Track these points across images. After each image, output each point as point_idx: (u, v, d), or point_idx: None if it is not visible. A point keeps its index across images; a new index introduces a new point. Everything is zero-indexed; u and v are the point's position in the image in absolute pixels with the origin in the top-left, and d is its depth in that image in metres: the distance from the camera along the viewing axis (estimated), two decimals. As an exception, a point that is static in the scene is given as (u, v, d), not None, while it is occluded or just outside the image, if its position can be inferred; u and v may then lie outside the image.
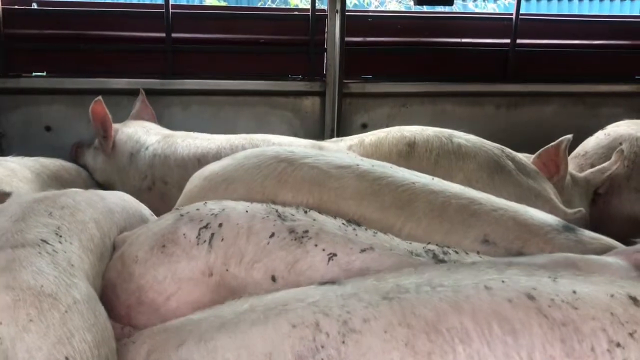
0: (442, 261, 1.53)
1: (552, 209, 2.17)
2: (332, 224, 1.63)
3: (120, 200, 2.00)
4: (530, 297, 1.20)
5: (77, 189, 1.95)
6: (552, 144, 2.50)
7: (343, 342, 1.18)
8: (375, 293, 1.26)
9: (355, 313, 1.21)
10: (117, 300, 1.62)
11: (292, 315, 1.24)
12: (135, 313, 1.61)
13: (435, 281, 1.27)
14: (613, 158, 2.64)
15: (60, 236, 1.56)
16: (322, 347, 1.18)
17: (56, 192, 1.85)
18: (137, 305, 1.60)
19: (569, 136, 2.48)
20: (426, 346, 1.15)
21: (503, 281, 1.25)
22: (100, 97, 2.76)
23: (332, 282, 1.38)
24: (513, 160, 2.43)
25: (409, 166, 2.15)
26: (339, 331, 1.19)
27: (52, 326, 1.23)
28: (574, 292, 1.22)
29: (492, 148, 2.46)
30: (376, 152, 2.56)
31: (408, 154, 2.47)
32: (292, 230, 1.58)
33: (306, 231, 1.58)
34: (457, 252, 1.58)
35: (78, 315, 1.30)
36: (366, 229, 1.65)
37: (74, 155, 3.06)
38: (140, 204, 2.09)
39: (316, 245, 1.55)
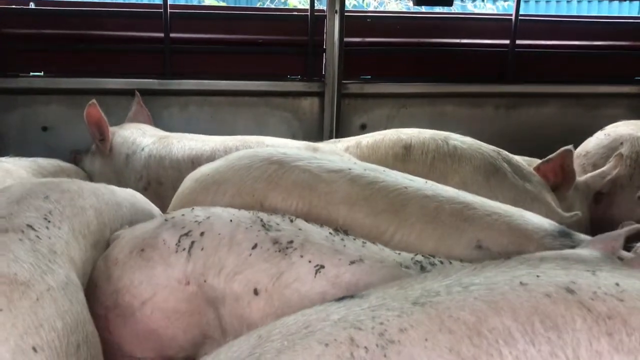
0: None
1: (548, 212, 2.16)
2: (319, 233, 1.59)
3: (130, 196, 2.01)
4: (570, 291, 1.14)
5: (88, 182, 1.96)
6: (552, 155, 2.48)
7: (384, 355, 1.09)
8: (404, 300, 1.19)
9: (390, 323, 1.13)
10: (96, 300, 1.61)
11: (320, 335, 1.13)
12: (112, 315, 1.59)
13: (465, 280, 1.21)
14: (612, 162, 2.63)
15: (49, 221, 1.55)
16: None
17: (66, 179, 1.85)
18: (114, 308, 1.59)
19: (570, 147, 2.46)
20: (471, 351, 1.08)
21: (538, 276, 1.19)
22: (94, 101, 2.75)
23: (350, 296, 1.30)
24: (509, 162, 2.43)
25: (405, 169, 2.14)
26: (377, 344, 1.10)
27: (20, 316, 1.22)
28: (617, 284, 1.16)
29: (488, 150, 2.45)
30: (373, 154, 2.55)
31: (404, 156, 2.47)
32: (276, 241, 1.55)
33: (291, 242, 1.54)
34: (442, 263, 1.56)
35: (50, 302, 1.29)
36: (354, 239, 1.61)
37: (72, 162, 3.06)
38: (151, 203, 2.09)
39: (302, 257, 1.51)
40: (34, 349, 1.20)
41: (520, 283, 1.16)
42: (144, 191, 2.58)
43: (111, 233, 1.78)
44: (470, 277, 1.22)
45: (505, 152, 2.49)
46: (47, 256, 1.41)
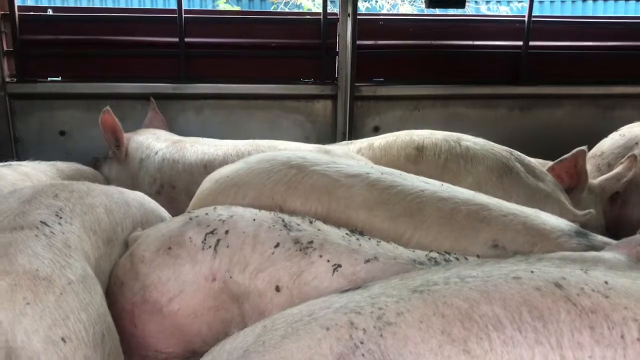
0: None
1: (562, 211, 2.16)
2: (336, 234, 1.64)
3: (140, 197, 2.05)
4: (558, 286, 1.20)
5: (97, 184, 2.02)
6: (566, 156, 2.48)
7: (381, 335, 1.17)
8: (404, 289, 1.27)
9: (388, 308, 1.21)
10: (123, 296, 1.65)
11: (322, 321, 1.23)
12: (139, 311, 1.63)
13: (464, 273, 1.28)
14: (626, 164, 2.61)
15: (60, 217, 1.60)
16: (362, 342, 1.17)
17: (75, 181, 1.90)
18: (142, 304, 1.63)
19: (584, 148, 2.45)
20: (462, 333, 1.16)
21: (532, 271, 1.25)
22: (108, 107, 2.79)
23: (354, 288, 1.38)
24: (522, 162, 2.43)
25: (417, 170, 2.14)
26: (374, 326, 1.18)
27: (47, 309, 1.28)
28: (606, 282, 1.21)
29: (501, 151, 2.46)
30: (385, 155, 2.56)
31: (417, 157, 2.48)
32: (297, 241, 1.59)
33: (311, 242, 1.59)
34: (457, 259, 1.59)
35: (73, 295, 1.34)
36: (369, 239, 1.65)
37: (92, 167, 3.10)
38: (159, 206, 2.13)
39: (321, 256, 1.56)
40: (63, 340, 1.27)
41: (514, 277, 1.24)
42: (157, 195, 2.61)
43: (123, 231, 1.82)
44: (469, 271, 1.30)
45: (517, 152, 2.49)
46: (63, 251, 1.46)
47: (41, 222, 1.53)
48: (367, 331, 1.18)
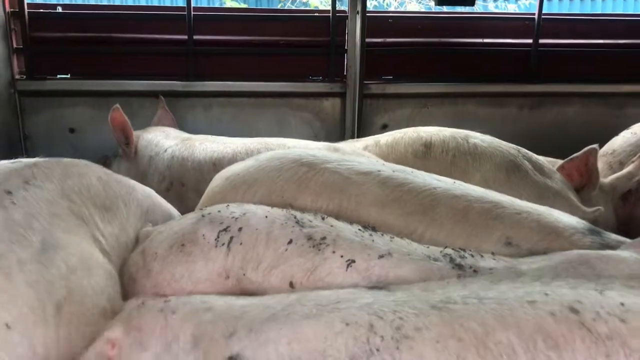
0: (459, 265, 1.53)
1: (570, 208, 2.15)
2: (349, 230, 1.63)
3: (148, 190, 2.02)
4: (574, 311, 1.19)
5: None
6: (577, 154, 2.45)
7: (397, 348, 1.18)
8: (425, 302, 1.27)
9: (408, 320, 1.22)
10: (134, 294, 1.63)
11: (345, 314, 1.24)
12: None
13: (482, 294, 1.29)
14: (638, 162, 2.59)
15: (28, 183, 1.50)
16: (377, 350, 1.18)
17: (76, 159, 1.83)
18: None
19: (595, 146, 2.43)
20: None
21: (547, 294, 1.24)
22: (117, 105, 2.79)
23: (379, 287, 1.39)
24: (530, 160, 2.41)
25: (425, 166, 2.13)
26: (392, 336, 1.19)
27: None
28: (622, 304, 1.19)
29: (509, 148, 2.44)
30: (392, 152, 2.55)
31: (424, 154, 2.47)
32: (310, 237, 1.58)
33: (324, 238, 1.58)
34: (472, 256, 1.58)
35: (21, 275, 1.27)
36: (382, 234, 1.65)
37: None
38: (167, 203, 2.12)
39: (334, 252, 1.55)
40: (7, 326, 1.21)
41: (529, 301, 1.23)
42: (167, 192, 2.61)
43: (126, 206, 1.78)
44: (486, 291, 1.30)
45: (524, 150, 2.48)
46: (20, 222, 1.38)
47: (6, 191, 1.44)
48: (385, 339, 1.19)
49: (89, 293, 1.40)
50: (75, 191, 1.60)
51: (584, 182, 2.44)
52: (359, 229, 1.65)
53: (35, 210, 1.44)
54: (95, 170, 1.77)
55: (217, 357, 1.26)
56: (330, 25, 3.45)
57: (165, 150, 2.79)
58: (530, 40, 3.60)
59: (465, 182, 2.01)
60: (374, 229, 1.69)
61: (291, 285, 1.54)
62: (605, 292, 1.23)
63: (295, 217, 1.66)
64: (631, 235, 1.85)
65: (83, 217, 1.58)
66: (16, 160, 1.90)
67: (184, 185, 2.69)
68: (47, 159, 1.68)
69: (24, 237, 1.35)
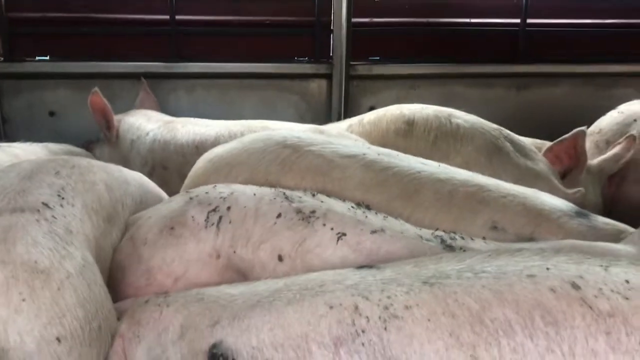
0: (450, 246, 1.51)
1: (551, 189, 2.13)
2: (342, 205, 1.63)
3: (138, 176, 2.02)
4: (575, 286, 1.13)
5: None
6: (565, 136, 2.43)
7: (385, 328, 1.14)
8: (415, 278, 1.23)
9: (396, 299, 1.18)
10: (125, 281, 1.62)
11: (329, 297, 1.22)
12: (143, 294, 1.59)
13: (477, 267, 1.23)
14: (624, 144, 2.58)
15: (63, 198, 1.53)
16: (363, 331, 1.14)
17: (76, 156, 1.84)
18: (146, 287, 1.60)
19: (584, 128, 2.41)
20: (471, 338, 1.11)
21: (548, 268, 1.19)
22: (97, 89, 2.74)
23: (369, 266, 1.36)
24: (511, 141, 2.40)
25: (406, 145, 2.11)
26: (379, 316, 1.15)
27: (43, 306, 1.22)
28: (627, 281, 1.14)
29: (490, 130, 2.42)
30: (374, 130, 2.52)
31: (406, 132, 2.43)
32: (299, 211, 1.58)
33: (313, 211, 1.57)
34: (462, 238, 1.57)
35: (71, 291, 1.28)
36: (376, 213, 1.64)
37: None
38: (157, 187, 2.10)
39: (324, 225, 1.54)
40: (58, 340, 1.21)
41: (528, 275, 1.17)
42: (150, 176, 2.56)
43: (123, 209, 1.78)
44: (483, 264, 1.23)
45: (506, 131, 2.46)
46: (64, 238, 1.39)
47: (43, 203, 1.46)
48: (371, 320, 1.15)
49: (113, 317, 1.43)
50: (94, 209, 1.63)
51: (572, 165, 2.43)
52: (352, 206, 1.64)
53: (73, 229, 1.46)
54: (99, 174, 1.77)
55: (201, 346, 1.25)
56: (316, 4, 3.40)
57: (147, 134, 2.75)
58: (518, 20, 3.57)
59: (447, 164, 1.99)
60: (367, 207, 1.68)
61: (280, 258, 1.53)
62: (610, 269, 1.18)
63: (284, 194, 1.65)
64: (614, 216, 1.84)
65: (99, 233, 1.61)
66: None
67: (166, 168, 2.66)
68: (62, 157, 1.74)
69: (70, 253, 1.36)
